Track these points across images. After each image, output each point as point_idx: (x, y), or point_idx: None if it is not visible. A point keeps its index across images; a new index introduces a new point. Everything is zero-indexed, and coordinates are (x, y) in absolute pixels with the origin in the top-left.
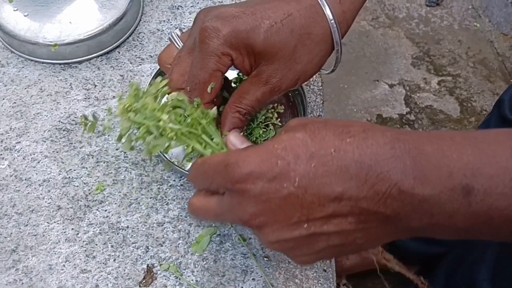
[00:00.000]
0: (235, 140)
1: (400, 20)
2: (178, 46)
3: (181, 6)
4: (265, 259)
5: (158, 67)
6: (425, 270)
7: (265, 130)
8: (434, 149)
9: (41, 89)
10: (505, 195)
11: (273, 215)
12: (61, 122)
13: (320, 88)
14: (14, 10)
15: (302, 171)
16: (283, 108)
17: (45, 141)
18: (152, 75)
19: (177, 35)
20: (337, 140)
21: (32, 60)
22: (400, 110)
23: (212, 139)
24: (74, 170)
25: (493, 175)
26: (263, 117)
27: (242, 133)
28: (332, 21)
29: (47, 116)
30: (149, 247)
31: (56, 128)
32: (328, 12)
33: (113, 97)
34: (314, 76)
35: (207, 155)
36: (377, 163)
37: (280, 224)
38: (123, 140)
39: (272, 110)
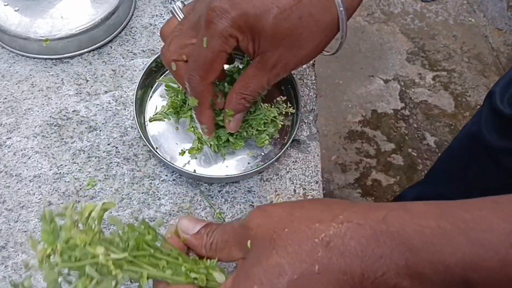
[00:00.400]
0: (187, 225)
1: (395, 15)
2: (179, 19)
3: (174, 0)
4: None
5: (150, 61)
6: None
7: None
8: (424, 243)
9: (32, 84)
10: (507, 282)
11: None
12: (52, 117)
13: (314, 82)
14: (4, 5)
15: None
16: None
17: (36, 137)
18: (145, 69)
19: (179, 7)
20: (315, 251)
21: (23, 55)
22: (395, 106)
23: (168, 254)
24: (65, 165)
25: (493, 267)
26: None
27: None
28: (341, 9)
29: (38, 111)
30: None
31: (47, 124)
32: (340, 7)
33: (105, 92)
34: (307, 69)
35: (168, 278)
36: (368, 268)
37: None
38: None
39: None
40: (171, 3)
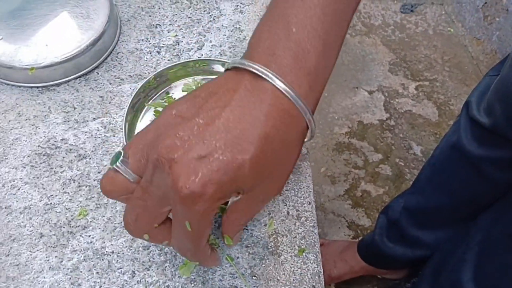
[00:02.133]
0: None
1: (376, 27)
2: (128, 178)
3: (159, 24)
4: (254, 278)
5: (139, 87)
6: (411, 273)
7: None
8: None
9: (19, 113)
10: None
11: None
12: (41, 146)
13: None
14: None
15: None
16: None
17: (24, 167)
18: (133, 95)
19: (122, 166)
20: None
21: (8, 84)
22: (380, 116)
23: None
24: (56, 195)
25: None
26: None
27: None
28: (308, 117)
29: (26, 141)
30: (136, 272)
31: (36, 153)
32: (307, 114)
33: (93, 119)
34: None
35: None
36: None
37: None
38: None
39: None
40: (156, 27)
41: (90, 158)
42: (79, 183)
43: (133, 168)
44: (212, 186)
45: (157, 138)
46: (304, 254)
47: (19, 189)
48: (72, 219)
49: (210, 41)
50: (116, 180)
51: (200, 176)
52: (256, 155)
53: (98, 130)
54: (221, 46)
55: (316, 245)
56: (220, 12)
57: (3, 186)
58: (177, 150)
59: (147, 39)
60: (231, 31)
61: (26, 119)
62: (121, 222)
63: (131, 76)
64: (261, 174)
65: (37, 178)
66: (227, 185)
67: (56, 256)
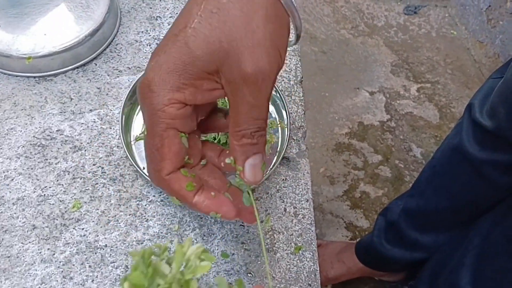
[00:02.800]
0: None
1: (379, 28)
2: None
3: (159, 16)
4: (249, 275)
5: (136, 79)
6: (409, 276)
7: None
8: None
9: (14, 103)
10: None
11: None
12: (36, 137)
13: (302, 98)
14: None
15: None
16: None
17: (19, 158)
18: (131, 87)
19: None
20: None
21: (5, 73)
22: (381, 117)
23: None
24: (50, 187)
25: None
26: None
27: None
28: (291, 7)
29: (21, 131)
30: (129, 266)
31: (31, 144)
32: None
33: (90, 110)
34: (295, 86)
35: None
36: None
37: None
38: None
39: None
40: (156, 19)
41: (85, 150)
42: (73, 175)
43: None
44: (158, 69)
45: None
46: (300, 251)
47: (12, 179)
48: (65, 212)
49: None
50: None
51: (152, 69)
52: (198, 33)
53: (94, 122)
54: None
55: (313, 243)
56: None
57: None
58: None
59: (147, 31)
60: None
61: (21, 109)
62: (115, 216)
63: (129, 68)
64: (215, 47)
65: (31, 169)
66: (178, 64)
67: (48, 249)
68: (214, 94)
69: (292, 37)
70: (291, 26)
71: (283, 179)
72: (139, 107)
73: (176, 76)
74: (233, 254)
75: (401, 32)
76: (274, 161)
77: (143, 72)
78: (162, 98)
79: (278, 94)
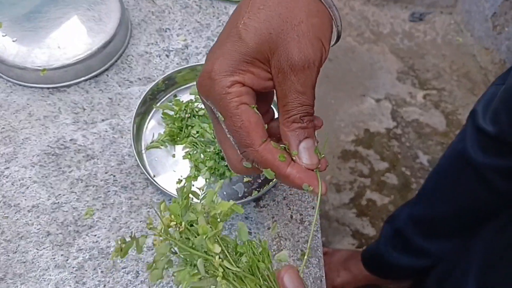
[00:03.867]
0: (289, 283)
1: (385, 35)
2: None
3: (168, 28)
4: None
5: (147, 89)
6: (415, 284)
7: None
8: None
9: (29, 113)
10: None
11: None
12: (50, 146)
13: None
14: (2, 36)
15: None
16: None
17: (34, 166)
18: (142, 97)
19: None
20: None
21: (20, 85)
22: (387, 125)
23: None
24: (63, 195)
25: None
26: None
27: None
28: (333, 10)
29: (36, 140)
30: (140, 272)
31: (45, 153)
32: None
33: (102, 120)
34: None
35: None
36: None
37: None
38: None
39: None
40: (166, 31)
41: (98, 159)
42: (86, 183)
43: None
44: (215, 60)
45: None
46: (306, 257)
47: (27, 187)
48: (78, 218)
49: None
50: None
51: (208, 60)
52: (257, 27)
53: (106, 131)
54: None
55: (319, 250)
56: (229, 17)
57: (12, 184)
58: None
59: (157, 42)
60: None
61: (36, 119)
62: (126, 222)
63: (140, 79)
64: (264, 38)
65: (46, 177)
66: (231, 55)
67: (62, 255)
68: (268, 84)
69: (334, 36)
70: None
71: (289, 187)
72: (149, 116)
73: (234, 64)
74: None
75: (406, 39)
76: None
77: (153, 82)
78: (224, 82)
79: None
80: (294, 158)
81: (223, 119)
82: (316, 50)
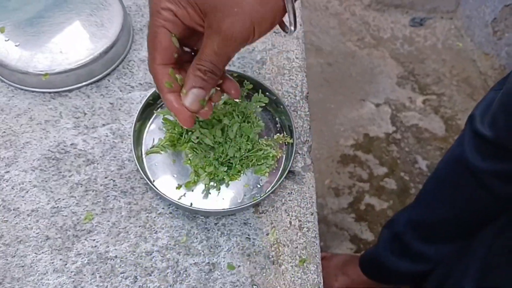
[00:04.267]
0: None
1: (385, 40)
2: None
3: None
4: (254, 286)
5: (148, 95)
6: None
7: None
8: None
9: (30, 118)
10: None
11: None
12: (51, 151)
13: (307, 113)
14: (5, 40)
15: None
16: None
17: (34, 170)
18: (143, 102)
19: None
20: None
21: (21, 89)
22: (387, 129)
23: None
24: (63, 199)
25: None
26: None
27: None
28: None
29: (36, 145)
30: (138, 277)
31: (45, 157)
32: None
33: (103, 125)
34: (301, 102)
35: None
36: None
37: None
38: None
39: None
40: None
41: (98, 163)
42: (86, 187)
43: None
44: None
45: None
46: (305, 264)
47: (27, 191)
48: (78, 223)
49: None
50: None
51: None
52: None
53: (107, 136)
54: None
55: (317, 256)
56: None
57: (12, 188)
58: None
59: None
60: None
61: (37, 124)
62: (125, 227)
63: (141, 84)
64: None
65: (46, 181)
66: None
67: (60, 259)
68: (197, 27)
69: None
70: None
71: (288, 193)
72: (150, 122)
73: None
74: (239, 266)
75: (407, 44)
76: (279, 175)
77: (154, 88)
78: (161, 3)
79: (284, 109)
80: (181, 95)
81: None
82: (243, 32)
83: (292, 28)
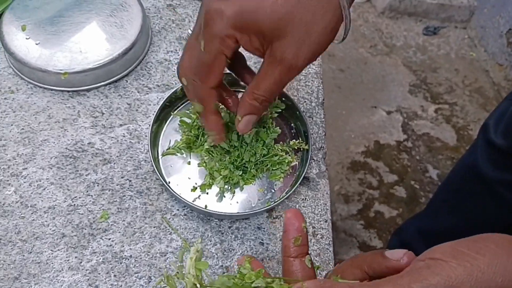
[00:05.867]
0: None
1: (398, 48)
2: None
3: (189, 32)
4: None
5: (166, 97)
6: None
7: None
8: None
9: (49, 116)
10: None
11: None
12: (68, 149)
13: (323, 119)
14: (26, 39)
15: None
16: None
17: (51, 168)
18: (160, 104)
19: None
20: None
21: (40, 87)
22: (398, 137)
23: None
24: (79, 197)
25: None
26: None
27: (252, 128)
28: (346, 11)
29: (54, 143)
30: (152, 277)
31: (63, 155)
32: (345, 9)
33: (120, 125)
34: (317, 108)
35: None
36: None
37: None
38: None
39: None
40: (185, 39)
41: (114, 163)
42: (102, 186)
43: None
44: (232, 8)
45: None
46: (318, 271)
47: (44, 189)
48: (93, 222)
49: None
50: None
51: (226, 1)
52: (280, 4)
53: (124, 136)
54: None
55: (331, 263)
56: None
57: (30, 185)
58: None
59: (176, 50)
60: None
61: (55, 122)
62: (140, 227)
63: (158, 86)
64: (281, 18)
65: (63, 179)
66: (247, 14)
67: (76, 257)
68: (256, 52)
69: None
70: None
71: (302, 199)
72: (167, 123)
73: (245, 21)
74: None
75: (419, 52)
76: (294, 180)
77: (171, 90)
78: (227, 29)
79: (300, 115)
80: (237, 120)
81: (203, 47)
82: (307, 62)
83: (345, 36)
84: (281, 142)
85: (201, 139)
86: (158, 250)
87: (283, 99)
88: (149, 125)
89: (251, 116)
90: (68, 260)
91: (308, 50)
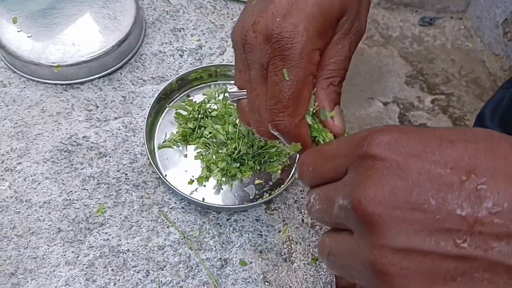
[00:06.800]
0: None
1: (394, 39)
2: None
3: (183, 28)
4: (266, 283)
5: (161, 89)
6: None
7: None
8: None
9: (42, 109)
10: None
11: (414, 205)
12: (62, 143)
13: None
14: (18, 31)
15: (484, 163)
16: None
17: (46, 162)
18: (155, 97)
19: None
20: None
21: (34, 80)
22: None
23: None
24: (75, 191)
25: None
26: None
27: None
28: None
29: (48, 137)
30: (150, 271)
31: (57, 149)
32: None
33: (115, 118)
34: None
35: None
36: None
37: (420, 225)
38: None
39: None
40: (180, 31)
41: (110, 157)
42: (98, 180)
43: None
44: (302, 15)
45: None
46: (317, 262)
47: (39, 183)
48: (90, 216)
49: (232, 47)
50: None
51: (286, 15)
52: None
53: (119, 129)
54: None
55: None
56: None
57: (24, 180)
58: None
59: (171, 42)
60: None
61: (49, 115)
62: (137, 221)
63: (153, 78)
64: None
65: (58, 173)
66: (320, 12)
67: (72, 252)
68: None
69: None
70: None
71: (300, 190)
72: (162, 116)
73: (317, 22)
74: (251, 262)
75: (416, 43)
76: (292, 172)
77: (166, 82)
78: (310, 43)
79: None
80: (327, 119)
81: (286, 78)
82: (365, 25)
83: None
84: None
85: (197, 131)
86: (156, 243)
87: None
88: (145, 118)
89: (337, 107)
90: (64, 255)
91: (364, 16)
